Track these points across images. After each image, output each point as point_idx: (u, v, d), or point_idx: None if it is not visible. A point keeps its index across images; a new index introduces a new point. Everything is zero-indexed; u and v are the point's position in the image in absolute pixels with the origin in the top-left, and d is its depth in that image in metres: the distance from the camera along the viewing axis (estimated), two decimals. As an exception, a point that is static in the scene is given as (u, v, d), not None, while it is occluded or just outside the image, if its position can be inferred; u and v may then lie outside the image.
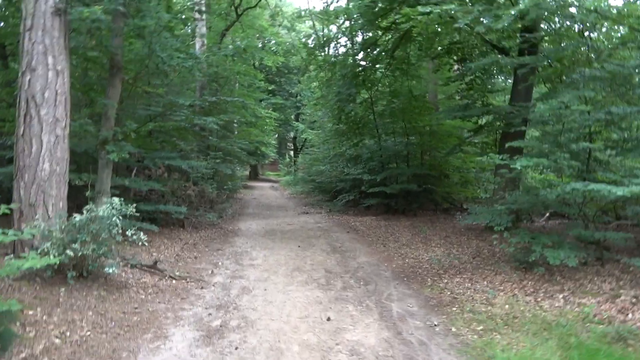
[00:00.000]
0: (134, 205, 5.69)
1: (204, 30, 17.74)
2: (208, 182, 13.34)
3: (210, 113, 14.70)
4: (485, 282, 6.21)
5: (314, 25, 29.13)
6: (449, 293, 5.86)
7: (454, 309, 5.24)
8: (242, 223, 12.53)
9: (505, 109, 9.45)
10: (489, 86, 11.77)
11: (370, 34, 12.96)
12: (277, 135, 44.04)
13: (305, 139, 30.33)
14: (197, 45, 18.27)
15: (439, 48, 11.62)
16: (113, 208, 5.26)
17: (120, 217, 5.38)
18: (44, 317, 4.22)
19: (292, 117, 37.02)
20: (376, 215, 13.93)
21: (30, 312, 4.26)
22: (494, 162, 7.52)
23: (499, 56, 9.21)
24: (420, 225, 11.65)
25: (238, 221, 12.96)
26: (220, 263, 7.45)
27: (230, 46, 21.92)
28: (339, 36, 15.84)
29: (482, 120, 11.54)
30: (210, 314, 4.90)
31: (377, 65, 12.71)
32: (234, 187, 20.04)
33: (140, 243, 5.36)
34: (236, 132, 20.12)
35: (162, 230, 9.76)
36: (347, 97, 12.69)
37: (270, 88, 37.50)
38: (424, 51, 12.37)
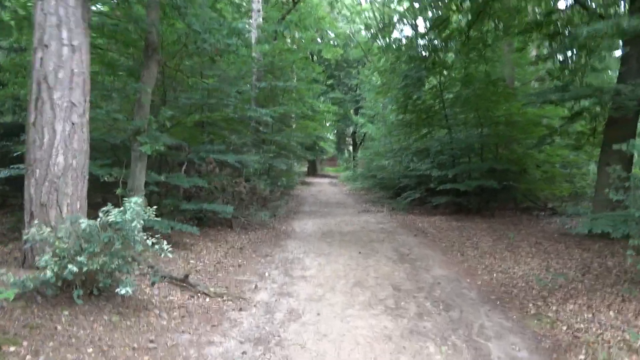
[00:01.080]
0: (178, 203, 4.62)
1: (260, 20, 16.82)
2: (261, 178, 12.32)
3: (266, 105, 13.74)
4: (612, 313, 4.56)
5: (374, 14, 27.62)
6: (565, 328, 4.29)
7: (581, 358, 3.69)
8: (296, 222, 11.37)
9: (615, 89, 7.56)
10: (589, 65, 9.75)
11: (440, 13, 11.33)
12: (336, 131, 42.95)
13: (365, 134, 28.85)
14: (253, 37, 17.41)
15: (526, 22, 9.79)
16: (131, 210, 4.18)
17: (142, 222, 4.29)
18: (28, 357, 3.19)
19: (352, 111, 35.56)
20: (446, 215, 12.31)
21: (12, 349, 3.24)
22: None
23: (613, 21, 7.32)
24: (500, 227, 9.94)
25: (293, 220, 11.82)
26: (267, 274, 6.28)
27: (288, 39, 20.96)
28: (404, 19, 14.28)
29: (578, 105, 9.57)
30: (244, 353, 3.70)
31: (449, 45, 11.02)
32: (290, 183, 19.02)
33: (162, 255, 4.25)
34: (293, 126, 19.09)
35: (208, 231, 8.81)
36: (415, 81, 11.13)
37: (329, 82, 36.59)
38: (503, 30, 10.57)
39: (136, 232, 4.16)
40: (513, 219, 11.12)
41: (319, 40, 25.39)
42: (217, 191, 9.54)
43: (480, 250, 7.79)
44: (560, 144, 11.49)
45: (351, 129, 37.40)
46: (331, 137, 43.82)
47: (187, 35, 6.66)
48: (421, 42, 11.42)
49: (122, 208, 4.18)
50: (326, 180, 31.13)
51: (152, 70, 6.56)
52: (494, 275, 6.24)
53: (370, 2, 25.16)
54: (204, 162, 9.64)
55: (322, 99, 26.61)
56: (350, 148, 40.76)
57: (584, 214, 11.27)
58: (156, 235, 4.35)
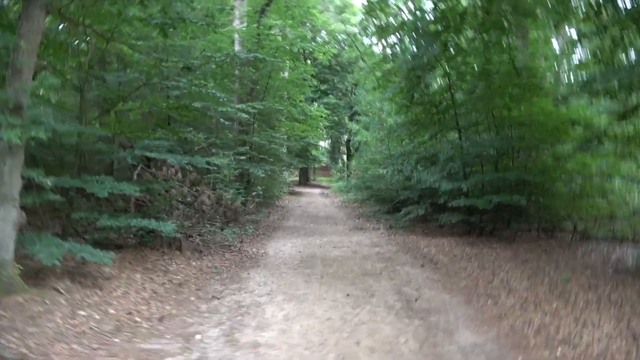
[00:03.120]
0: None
1: (244, 9, 14.61)
2: (231, 186, 9.99)
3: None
4: None
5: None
6: None
7: None
8: (272, 243, 9.03)
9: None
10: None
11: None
12: (330, 140, 40.66)
13: (360, 142, 26.60)
14: (236, 23, 15.21)
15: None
16: None
17: None
18: None
19: (346, 118, 33.35)
20: (454, 236, 10.03)
21: None
22: None
23: None
24: (529, 257, 7.65)
25: (269, 239, 9.48)
26: (198, 336, 3.91)
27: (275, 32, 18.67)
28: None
29: (633, 99, 7.31)
30: None
31: (465, 20, 8.67)
32: (275, 193, 16.69)
33: None
34: (283, 130, 16.72)
35: (148, 255, 6.47)
36: (424, 64, 8.81)
37: (322, 87, 34.39)
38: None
39: None
40: (539, 245, 8.85)
41: (309, 36, 23.09)
42: (163, 201, 7.22)
43: (517, 295, 5.45)
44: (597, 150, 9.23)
45: (345, 137, 35.15)
46: (325, 145, 41.61)
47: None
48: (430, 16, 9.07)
49: None
50: (318, 190, 28.79)
51: (35, 20, 4.24)
52: (558, 349, 3.90)
53: None
54: (135, 162, 7.26)
55: (315, 104, 24.45)
56: (345, 157, 38.48)
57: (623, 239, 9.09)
58: None
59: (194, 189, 8.78)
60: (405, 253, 8.34)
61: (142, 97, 7.01)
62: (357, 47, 26.29)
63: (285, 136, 22.00)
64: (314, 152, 31.58)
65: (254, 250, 8.01)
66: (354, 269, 6.78)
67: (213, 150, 10.17)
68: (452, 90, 9.93)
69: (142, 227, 5.91)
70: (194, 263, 6.54)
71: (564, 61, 11.62)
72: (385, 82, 10.95)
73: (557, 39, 11.50)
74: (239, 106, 10.32)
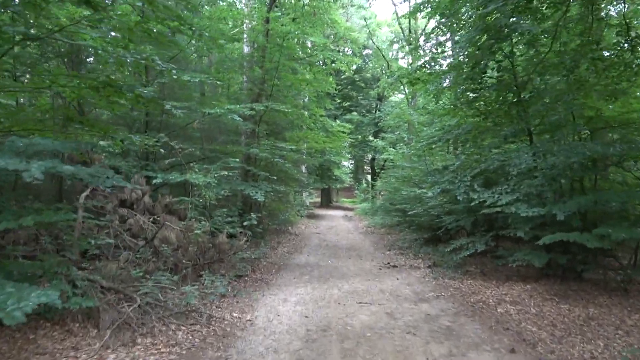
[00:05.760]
0: None
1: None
2: (219, 213, 7.11)
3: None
4: None
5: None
6: None
7: None
8: (268, 298, 6.03)
9: None
10: None
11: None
12: (353, 160, 37.64)
13: (385, 160, 23.48)
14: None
15: None
16: None
17: None
18: None
19: (371, 136, 30.42)
20: (525, 279, 6.88)
21: None
22: None
23: None
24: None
25: (265, 289, 6.49)
26: None
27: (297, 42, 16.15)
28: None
29: None
30: None
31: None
32: (286, 218, 13.78)
33: None
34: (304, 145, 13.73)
35: (39, 339, 3.58)
36: (504, 32, 5.55)
37: (345, 104, 31.62)
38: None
39: None
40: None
41: (331, 46, 20.32)
42: (83, 242, 4.38)
43: None
44: None
45: (370, 156, 32.14)
46: (347, 164, 38.58)
47: None
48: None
49: None
50: (341, 213, 25.65)
51: None
52: None
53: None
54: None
55: (337, 121, 21.68)
56: (369, 177, 35.34)
57: None
58: None
59: (150, 220, 5.95)
60: (471, 317, 5.20)
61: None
62: (384, 56, 23.54)
63: (304, 151, 19.17)
64: (336, 172, 28.61)
65: (233, 317, 5.01)
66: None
67: (196, 166, 7.37)
68: (517, 80, 6.82)
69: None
70: (112, 356, 3.60)
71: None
72: (427, 77, 7.77)
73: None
74: (231, 107, 7.50)
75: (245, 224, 6.98)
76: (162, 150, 6.89)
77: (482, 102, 6.94)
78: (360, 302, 5.83)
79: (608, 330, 4.54)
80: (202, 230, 5.91)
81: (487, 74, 6.56)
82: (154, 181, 7.44)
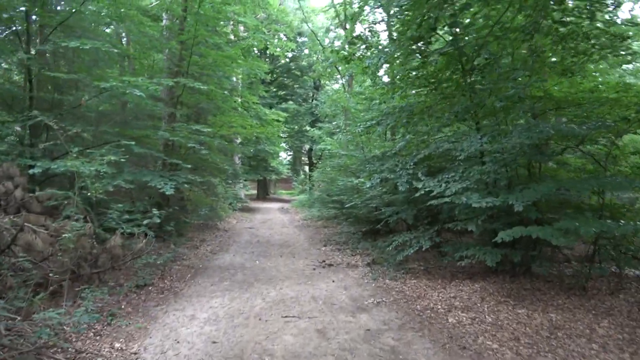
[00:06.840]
0: None
1: None
2: (120, 210, 5.69)
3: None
4: None
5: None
6: None
7: None
8: (170, 315, 4.75)
9: None
10: None
11: None
12: (292, 152, 36.43)
13: (323, 150, 22.48)
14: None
15: None
16: None
17: None
18: None
19: (307, 126, 29.36)
20: (471, 277, 6.13)
21: None
22: None
23: None
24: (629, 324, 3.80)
25: (171, 301, 5.20)
26: None
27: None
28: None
29: None
30: None
31: None
32: (214, 213, 12.41)
33: None
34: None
35: None
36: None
37: (281, 93, 30.27)
38: None
39: None
40: (606, 295, 5.03)
41: (264, 30, 18.83)
42: None
43: None
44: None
45: (307, 146, 31.16)
46: (286, 155, 37.33)
47: None
48: None
49: None
50: (277, 205, 24.39)
51: None
52: None
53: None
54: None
55: (272, 109, 20.39)
56: (306, 168, 34.36)
57: None
58: None
59: (11, 219, 4.46)
60: (419, 331, 4.26)
61: None
62: (319, 41, 22.43)
63: (237, 139, 17.63)
64: (272, 163, 27.30)
65: (113, 349, 3.69)
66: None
67: (81, 151, 5.87)
68: (461, 58, 5.97)
69: None
70: None
71: None
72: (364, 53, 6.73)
73: None
74: (131, 79, 6.05)
75: (145, 222, 5.60)
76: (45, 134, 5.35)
77: (430, 69, 6.00)
78: (286, 317, 4.71)
79: (580, 344, 3.77)
80: (81, 232, 4.49)
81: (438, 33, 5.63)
82: (33, 171, 5.88)
